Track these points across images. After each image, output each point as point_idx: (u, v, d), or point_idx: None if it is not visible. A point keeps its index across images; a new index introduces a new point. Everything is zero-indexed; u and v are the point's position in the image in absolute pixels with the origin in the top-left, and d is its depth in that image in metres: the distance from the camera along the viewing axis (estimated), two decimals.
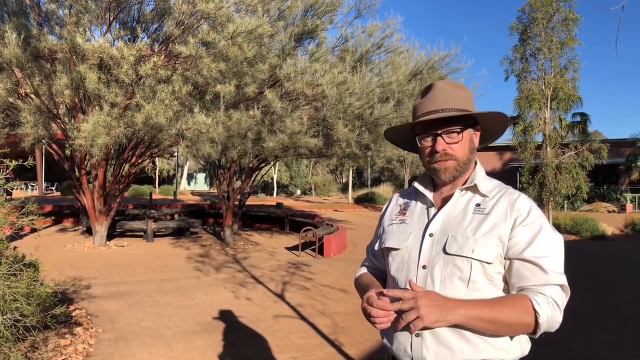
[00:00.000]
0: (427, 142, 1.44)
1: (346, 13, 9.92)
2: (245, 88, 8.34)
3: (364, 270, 1.72)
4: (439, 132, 1.41)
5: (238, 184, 12.84)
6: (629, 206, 25.53)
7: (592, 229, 14.74)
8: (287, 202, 28.86)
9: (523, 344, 1.36)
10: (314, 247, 10.22)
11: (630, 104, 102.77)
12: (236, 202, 12.87)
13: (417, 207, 1.53)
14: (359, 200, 31.47)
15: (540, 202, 16.50)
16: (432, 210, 1.47)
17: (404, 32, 12.67)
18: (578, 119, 21.26)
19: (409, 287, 1.28)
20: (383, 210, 1.69)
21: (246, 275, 7.92)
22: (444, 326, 1.25)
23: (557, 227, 15.83)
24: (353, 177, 39.64)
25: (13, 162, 3.49)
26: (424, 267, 1.39)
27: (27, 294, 3.20)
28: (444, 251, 1.36)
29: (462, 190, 1.45)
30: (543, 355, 4.47)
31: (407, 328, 1.22)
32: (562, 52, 15.95)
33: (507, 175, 36.10)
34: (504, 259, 1.33)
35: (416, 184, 1.55)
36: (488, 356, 1.31)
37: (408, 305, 1.20)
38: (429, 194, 1.50)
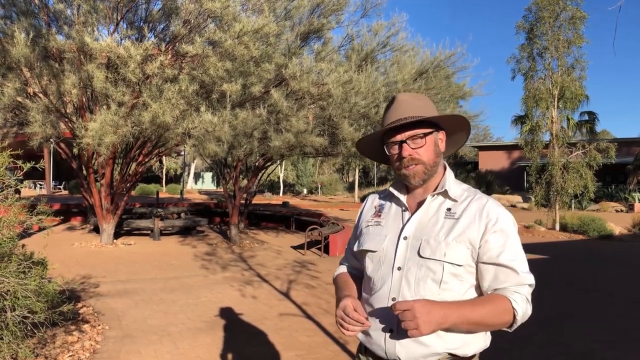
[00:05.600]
0: (395, 149, 1.54)
1: (352, 12, 9.94)
2: (251, 87, 8.37)
3: (343, 269, 1.81)
4: (404, 139, 1.50)
5: (244, 182, 12.88)
6: (637, 206, 25.35)
7: (599, 229, 14.64)
8: (294, 201, 28.90)
9: (487, 337, 1.50)
10: (320, 246, 10.25)
11: (638, 102, 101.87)
12: (242, 201, 12.91)
13: (391, 209, 1.62)
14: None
15: (548, 201, 16.44)
16: (407, 214, 1.56)
17: (409, 31, 12.68)
18: (586, 117, 21.12)
19: (385, 289, 1.47)
20: (360, 210, 1.77)
21: (252, 273, 7.95)
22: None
23: (564, 226, 15.75)
24: (359, 176, 39.62)
25: (27, 164, 3.52)
26: (399, 268, 1.48)
27: (36, 291, 3.25)
28: (418, 254, 1.46)
29: (433, 196, 1.53)
30: (543, 354, 4.47)
31: (384, 323, 1.43)
32: (569, 51, 15.86)
33: (514, 175, 35.96)
34: (477, 262, 1.45)
35: (391, 188, 1.63)
36: (456, 350, 1.43)
37: (407, 317, 1.28)
38: (403, 198, 1.59)
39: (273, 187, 40.58)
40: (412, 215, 1.54)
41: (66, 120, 9.34)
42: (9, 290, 3.13)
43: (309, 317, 5.45)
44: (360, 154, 1.81)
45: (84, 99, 9.73)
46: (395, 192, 1.60)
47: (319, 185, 41.70)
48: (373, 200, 1.73)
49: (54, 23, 9.10)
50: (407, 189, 1.60)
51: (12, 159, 3.29)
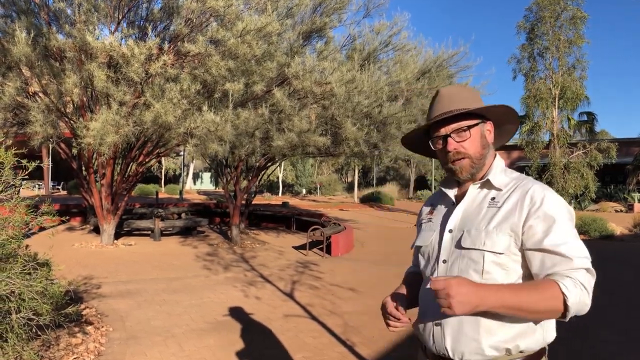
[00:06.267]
0: (439, 144, 1.53)
1: (355, 11, 9.89)
2: (253, 86, 8.31)
3: (409, 269, 1.86)
4: (448, 132, 1.49)
5: (245, 183, 12.82)
6: (637, 206, 25.35)
7: (600, 229, 14.61)
8: (293, 201, 28.85)
9: (546, 331, 1.41)
10: (322, 246, 10.19)
11: (638, 102, 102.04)
12: (243, 202, 12.85)
13: (442, 206, 1.63)
14: (364, 200, 31.41)
15: None
16: (454, 208, 1.55)
17: (411, 30, 12.64)
18: (585, 118, 21.16)
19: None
20: (420, 210, 1.80)
21: (255, 274, 7.90)
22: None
23: None
24: (359, 177, 39.58)
25: (32, 163, 3.46)
26: (444, 261, 1.48)
27: (41, 293, 3.19)
28: (460, 246, 1.45)
29: (476, 186, 1.52)
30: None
31: (431, 316, 1.43)
32: (570, 51, 15.87)
33: None
34: (523, 250, 1.38)
35: (441, 186, 1.64)
36: (505, 343, 1.37)
37: (444, 294, 1.25)
38: (451, 193, 1.59)
39: (272, 188, 40.51)
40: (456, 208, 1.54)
41: (67, 120, 9.27)
42: (13, 292, 3.07)
43: (314, 318, 5.41)
44: (407, 149, 1.79)
45: (84, 99, 9.67)
46: (444, 189, 1.60)
47: (318, 186, 41.65)
48: (430, 199, 1.75)
49: (54, 22, 9.03)
50: (458, 183, 1.59)
51: (16, 158, 3.24)
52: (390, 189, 37.36)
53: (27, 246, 3.93)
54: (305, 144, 8.79)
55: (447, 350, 1.41)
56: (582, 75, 16.10)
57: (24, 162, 3.38)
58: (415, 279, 1.69)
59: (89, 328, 4.61)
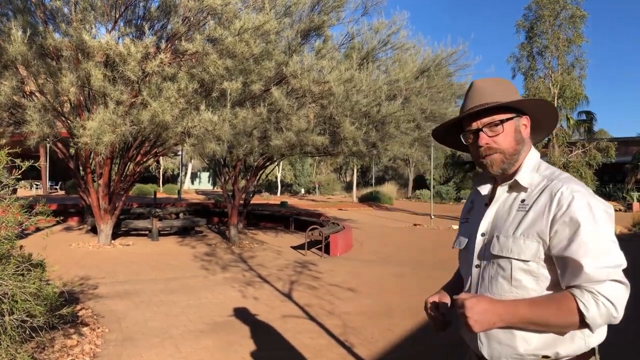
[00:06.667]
0: (471, 139, 1.47)
1: (353, 10, 9.83)
2: (251, 85, 8.26)
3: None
4: (480, 126, 1.43)
5: (243, 182, 12.77)
6: (636, 205, 25.34)
7: None
8: (291, 201, 28.80)
9: (589, 337, 1.33)
10: (320, 246, 10.14)
11: (635, 101, 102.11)
12: (241, 201, 12.80)
13: (477, 204, 1.59)
14: (363, 199, 31.38)
15: None
16: (486, 209, 1.50)
17: (410, 29, 12.58)
18: (584, 117, 21.14)
19: (467, 287, 1.48)
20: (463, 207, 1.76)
21: (253, 274, 7.85)
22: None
23: None
24: (357, 176, 39.54)
25: (26, 162, 3.41)
26: (477, 266, 1.46)
27: (35, 294, 3.14)
28: (490, 251, 1.41)
29: (505, 188, 1.46)
30: None
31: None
32: (569, 50, 15.85)
33: None
34: (551, 255, 1.31)
35: (474, 184, 1.59)
36: (542, 350, 1.33)
37: (461, 313, 1.26)
38: (485, 191, 1.54)
39: (271, 187, 40.44)
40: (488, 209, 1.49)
41: (63, 119, 9.21)
42: (6, 293, 3.02)
43: (312, 318, 5.36)
44: (439, 142, 1.73)
45: (81, 98, 9.60)
46: (478, 187, 1.56)
47: (317, 185, 41.60)
48: (471, 195, 1.67)
49: (51, 21, 8.97)
50: (493, 179, 1.53)
51: (10, 157, 3.18)
52: (389, 189, 37.32)
53: (21, 247, 3.88)
54: (303, 143, 8.74)
55: (484, 355, 1.42)
56: (581, 74, 16.11)
57: (18, 161, 3.33)
58: (460, 278, 1.67)
59: (85, 329, 4.55)
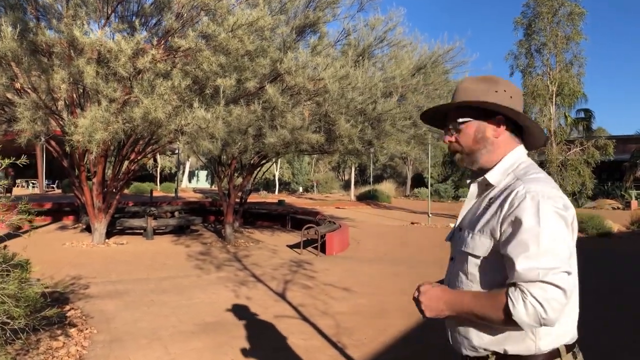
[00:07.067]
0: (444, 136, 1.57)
1: (349, 6, 9.73)
2: (245, 83, 8.16)
3: None
4: (449, 125, 1.53)
5: (239, 180, 12.68)
6: (634, 203, 25.28)
7: (598, 226, 14.50)
8: (289, 199, 28.70)
9: (540, 339, 1.33)
10: (316, 245, 10.06)
11: (633, 99, 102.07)
12: (237, 200, 12.71)
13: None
14: (361, 198, 31.30)
15: None
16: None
17: (407, 25, 12.49)
18: (582, 115, 21.06)
19: (445, 280, 1.55)
20: None
21: (247, 273, 7.76)
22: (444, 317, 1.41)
23: None
24: (355, 174, 39.45)
25: (6, 160, 3.32)
26: (452, 259, 1.54)
27: (14, 296, 3.05)
28: (457, 246, 1.50)
29: (475, 185, 1.53)
30: None
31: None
32: (567, 47, 15.75)
33: None
34: (499, 252, 1.33)
35: (469, 178, 1.62)
36: (492, 346, 1.38)
37: (415, 297, 1.43)
38: (472, 187, 1.58)
39: (269, 186, 40.33)
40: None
41: (56, 117, 9.11)
42: None
43: (305, 319, 5.27)
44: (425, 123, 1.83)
45: (74, 95, 9.50)
46: (469, 181, 1.59)
47: (315, 184, 41.49)
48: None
49: (43, 17, 8.86)
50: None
51: None
52: (387, 187, 37.24)
53: (5, 246, 3.79)
54: (298, 141, 8.64)
55: (449, 341, 1.51)
56: (579, 71, 16.01)
57: (4, 161, 3.24)
58: None
59: (72, 330, 4.46)
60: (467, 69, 10.99)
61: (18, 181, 31.72)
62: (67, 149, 10.22)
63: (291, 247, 10.83)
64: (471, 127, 1.48)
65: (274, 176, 39.70)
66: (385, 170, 49.44)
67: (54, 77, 7.56)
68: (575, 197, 22.63)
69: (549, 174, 15.40)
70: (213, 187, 40.12)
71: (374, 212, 23.48)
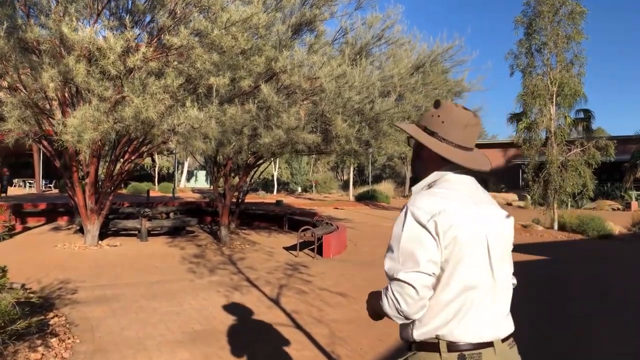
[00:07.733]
0: None
1: (346, 3, 9.51)
2: (240, 82, 7.95)
3: None
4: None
5: (235, 181, 12.47)
6: (634, 204, 25.10)
7: (599, 228, 14.31)
8: (288, 199, 28.49)
9: (414, 328, 1.52)
10: (313, 247, 9.86)
11: (633, 100, 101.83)
12: (234, 200, 12.50)
13: None
14: (360, 198, 31.08)
15: (545, 200, 16.08)
16: None
17: (405, 23, 12.28)
18: (582, 115, 20.84)
19: None
20: None
21: (241, 277, 7.56)
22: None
23: (563, 225, 15.39)
24: (354, 175, 39.26)
25: None
26: None
27: None
28: None
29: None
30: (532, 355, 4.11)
31: None
32: (568, 47, 15.51)
33: (510, 173, 35.58)
34: None
35: None
36: (400, 334, 1.62)
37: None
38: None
39: (267, 186, 40.08)
40: None
41: (47, 116, 8.90)
42: None
43: (299, 327, 5.07)
44: None
45: (66, 94, 9.28)
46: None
47: (314, 184, 41.26)
48: None
49: (33, 13, 8.64)
50: None
51: None
52: (386, 187, 37.01)
53: None
54: (294, 141, 8.44)
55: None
56: (580, 71, 15.75)
57: None
58: None
59: (53, 340, 4.25)
60: (467, 67, 10.78)
61: (15, 181, 31.53)
62: (58, 148, 10.02)
63: (288, 249, 10.62)
64: (415, 144, 1.71)
65: (273, 176, 39.47)
66: (384, 170, 49.26)
67: (43, 76, 7.35)
68: (575, 198, 22.46)
69: (549, 174, 15.20)
70: (212, 187, 39.91)
71: (373, 212, 23.27)
